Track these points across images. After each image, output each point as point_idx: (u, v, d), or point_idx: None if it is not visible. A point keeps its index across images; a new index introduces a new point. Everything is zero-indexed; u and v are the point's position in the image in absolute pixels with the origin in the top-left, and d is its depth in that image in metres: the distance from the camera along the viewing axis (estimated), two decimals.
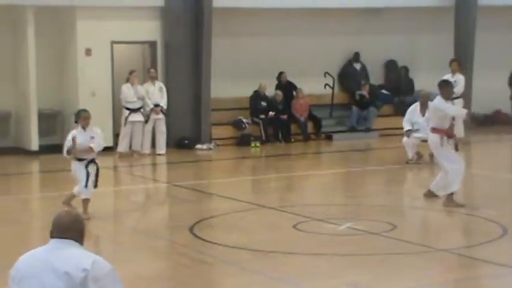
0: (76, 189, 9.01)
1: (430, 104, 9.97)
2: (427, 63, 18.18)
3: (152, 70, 15.28)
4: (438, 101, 9.43)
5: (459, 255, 7.24)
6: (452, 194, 9.38)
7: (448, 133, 9.35)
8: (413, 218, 9.53)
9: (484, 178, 12.04)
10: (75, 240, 3.48)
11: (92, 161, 9.00)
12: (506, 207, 9.44)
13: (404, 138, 13.01)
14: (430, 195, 9.80)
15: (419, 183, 12.07)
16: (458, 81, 15.47)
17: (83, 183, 8.88)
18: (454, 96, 15.50)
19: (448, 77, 15.60)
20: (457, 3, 17.64)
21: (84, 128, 8.97)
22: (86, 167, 8.92)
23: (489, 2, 17.67)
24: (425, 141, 12.95)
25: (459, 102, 15.57)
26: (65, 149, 9.03)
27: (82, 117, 9.02)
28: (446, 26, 17.69)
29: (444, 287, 6.58)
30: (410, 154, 12.98)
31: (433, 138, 9.42)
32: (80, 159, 8.96)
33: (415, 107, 13.22)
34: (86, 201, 8.93)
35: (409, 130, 12.92)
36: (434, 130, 9.42)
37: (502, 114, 18.71)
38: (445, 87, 9.51)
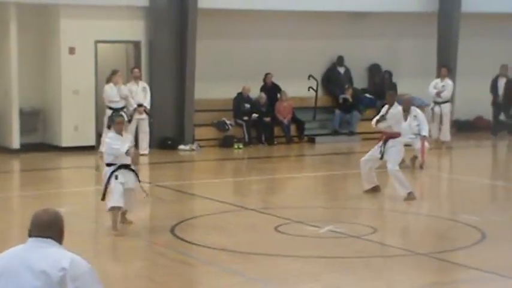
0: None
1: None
2: (410, 68, 18.29)
3: (136, 70, 15.24)
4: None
5: (438, 260, 7.28)
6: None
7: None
8: (394, 221, 9.58)
9: (464, 183, 12.12)
10: (54, 239, 3.46)
11: (125, 167, 8.32)
12: (486, 212, 9.51)
13: None
14: (411, 197, 10.09)
15: None
16: (446, 86, 15.77)
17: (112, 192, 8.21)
18: (442, 100, 15.88)
19: (437, 82, 15.93)
20: (440, 10, 17.76)
21: (119, 133, 8.33)
22: (112, 172, 8.24)
23: (472, 9, 17.81)
24: (407, 145, 13.07)
25: (447, 106, 15.86)
26: (114, 151, 8.16)
27: (116, 122, 8.48)
28: (429, 31, 17.80)
29: None
30: None
31: None
32: (110, 164, 8.32)
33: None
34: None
35: None
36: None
37: (484, 120, 18.87)
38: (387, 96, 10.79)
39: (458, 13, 17.65)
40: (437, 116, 15.70)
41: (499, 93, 17.68)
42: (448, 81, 15.84)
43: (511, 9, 18.52)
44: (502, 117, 17.93)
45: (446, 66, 16.27)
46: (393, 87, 18.15)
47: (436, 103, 15.78)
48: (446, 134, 15.83)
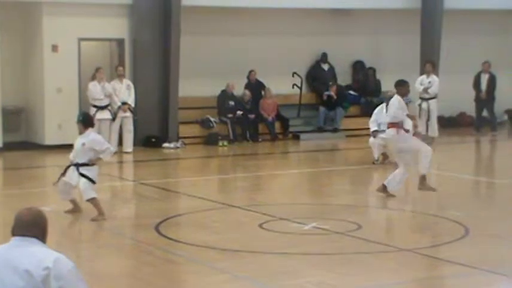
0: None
1: (392, 102, 10.34)
2: (394, 64, 18.36)
3: (120, 68, 15.18)
4: (394, 99, 10.18)
5: (422, 255, 7.32)
6: (424, 177, 10.18)
7: (401, 126, 10.12)
8: (378, 218, 9.62)
9: (448, 179, 12.19)
10: (38, 238, 3.44)
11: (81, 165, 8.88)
12: (469, 208, 9.58)
13: (371, 139, 13.13)
14: (383, 189, 10.06)
15: None
16: (433, 82, 15.91)
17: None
18: (429, 96, 16.02)
19: (422, 78, 16.07)
20: (423, 6, 17.86)
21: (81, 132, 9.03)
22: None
23: (455, 6, 17.92)
24: None
25: (434, 102, 15.98)
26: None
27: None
28: (412, 28, 17.89)
29: (407, 286, 6.65)
30: (377, 154, 13.10)
31: (390, 132, 10.20)
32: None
33: (382, 107, 13.32)
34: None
35: (376, 131, 13.03)
36: (394, 125, 10.09)
37: (467, 117, 19.01)
38: (402, 86, 10.19)
39: (441, 10, 17.76)
40: (424, 113, 15.82)
41: (481, 89, 17.80)
42: (434, 77, 16.00)
43: (493, 5, 18.66)
44: (484, 113, 18.06)
45: (430, 61, 16.37)
46: (377, 83, 18.24)
47: (423, 99, 15.90)
48: (434, 130, 16.00)
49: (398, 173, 10.06)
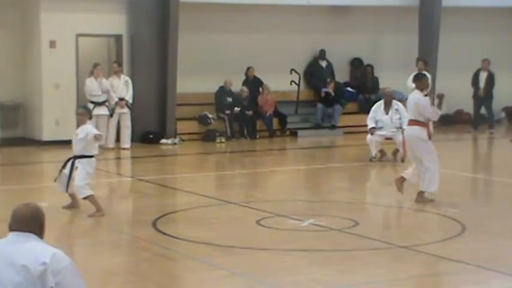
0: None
1: (409, 98, 9.72)
2: (391, 61, 18.39)
3: (115, 65, 15.18)
4: (419, 98, 9.53)
5: (419, 252, 7.34)
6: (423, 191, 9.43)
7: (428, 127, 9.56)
8: (375, 215, 9.64)
9: (445, 176, 12.20)
10: (35, 234, 3.45)
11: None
12: (466, 205, 9.60)
13: (368, 136, 13.15)
14: (422, 197, 9.42)
15: (382, 181, 12.22)
16: None
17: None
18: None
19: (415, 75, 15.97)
20: (422, 4, 17.87)
21: (78, 125, 9.07)
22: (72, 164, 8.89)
23: (453, 3, 17.93)
24: (389, 139, 13.15)
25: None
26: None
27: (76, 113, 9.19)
28: (411, 25, 17.90)
29: (404, 283, 6.67)
30: (374, 152, 13.12)
31: (416, 130, 9.49)
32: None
33: (379, 105, 13.37)
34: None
35: (373, 128, 13.06)
36: (416, 123, 9.50)
37: (464, 114, 19.03)
38: (421, 79, 9.74)
39: (439, 7, 17.77)
40: None
41: (480, 87, 17.81)
42: (426, 74, 15.93)
43: (491, 3, 18.68)
44: (482, 110, 18.08)
45: (422, 59, 16.34)
46: (375, 81, 18.25)
47: None
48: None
49: (424, 176, 9.38)
